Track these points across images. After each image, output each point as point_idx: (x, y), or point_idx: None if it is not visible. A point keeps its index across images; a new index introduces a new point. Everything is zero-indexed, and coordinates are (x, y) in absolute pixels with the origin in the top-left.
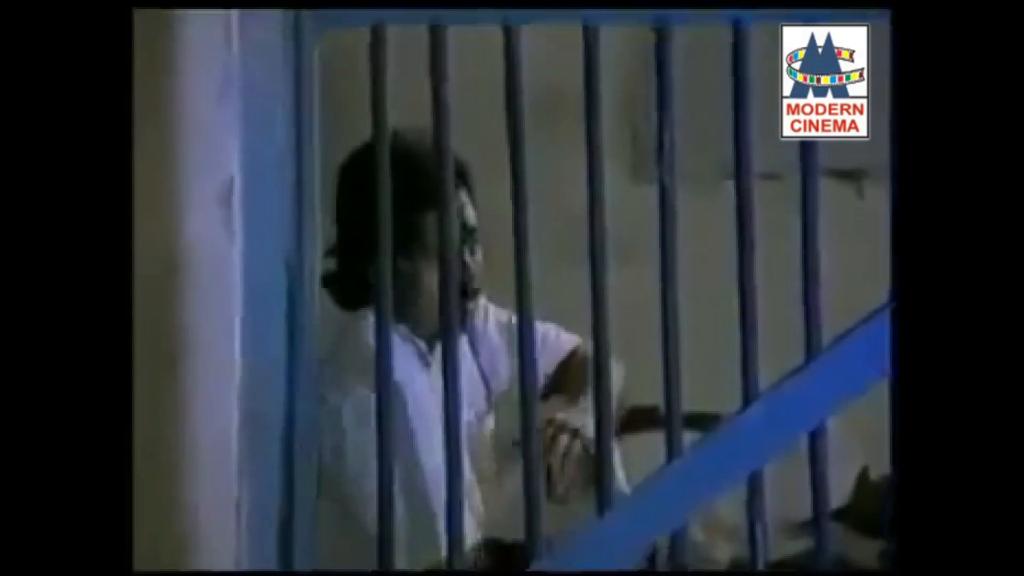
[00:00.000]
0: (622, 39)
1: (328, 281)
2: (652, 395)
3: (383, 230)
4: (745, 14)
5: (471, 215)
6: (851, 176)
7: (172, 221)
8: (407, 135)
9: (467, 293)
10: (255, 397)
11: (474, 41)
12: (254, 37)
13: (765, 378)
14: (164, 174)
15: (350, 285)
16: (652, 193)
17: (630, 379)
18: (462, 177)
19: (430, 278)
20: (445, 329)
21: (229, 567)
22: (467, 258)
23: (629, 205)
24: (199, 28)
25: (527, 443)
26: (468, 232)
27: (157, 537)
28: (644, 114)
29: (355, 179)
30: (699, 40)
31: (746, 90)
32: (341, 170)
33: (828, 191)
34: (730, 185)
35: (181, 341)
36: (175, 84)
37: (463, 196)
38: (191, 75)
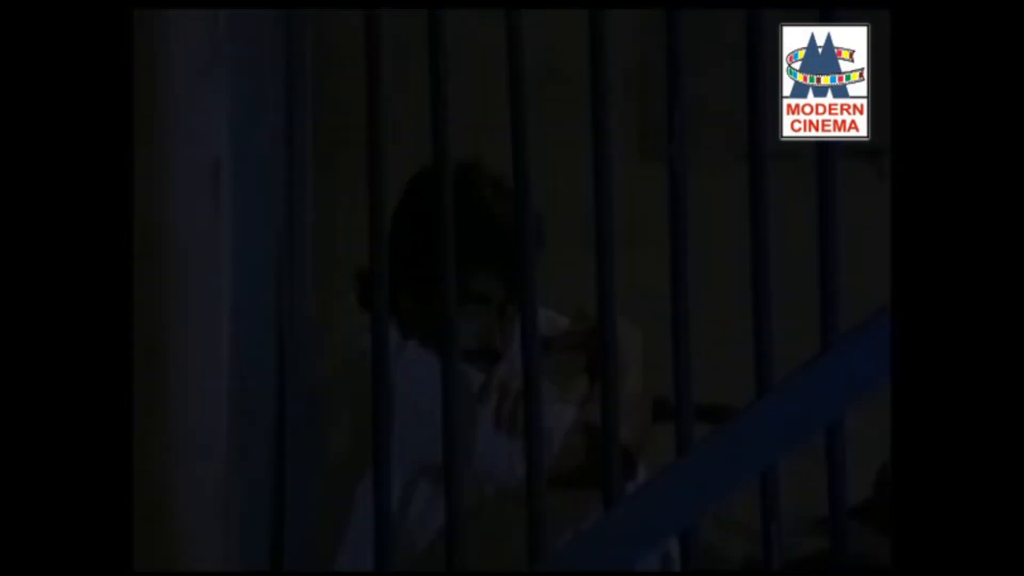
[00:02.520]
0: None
1: (363, 277)
2: (662, 386)
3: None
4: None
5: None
6: (870, 155)
7: (154, 203)
8: (489, 171)
9: (489, 354)
10: (245, 391)
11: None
12: (242, 9)
13: (780, 368)
14: (145, 153)
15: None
16: (660, 171)
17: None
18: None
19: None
20: (444, 332)
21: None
22: (495, 325)
23: (636, 184)
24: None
25: (532, 439)
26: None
27: (140, 541)
28: (651, 87)
29: (421, 203)
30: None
31: (761, 61)
32: (409, 184)
33: (846, 170)
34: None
35: (165, 332)
36: (157, 57)
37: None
38: (174, 47)
